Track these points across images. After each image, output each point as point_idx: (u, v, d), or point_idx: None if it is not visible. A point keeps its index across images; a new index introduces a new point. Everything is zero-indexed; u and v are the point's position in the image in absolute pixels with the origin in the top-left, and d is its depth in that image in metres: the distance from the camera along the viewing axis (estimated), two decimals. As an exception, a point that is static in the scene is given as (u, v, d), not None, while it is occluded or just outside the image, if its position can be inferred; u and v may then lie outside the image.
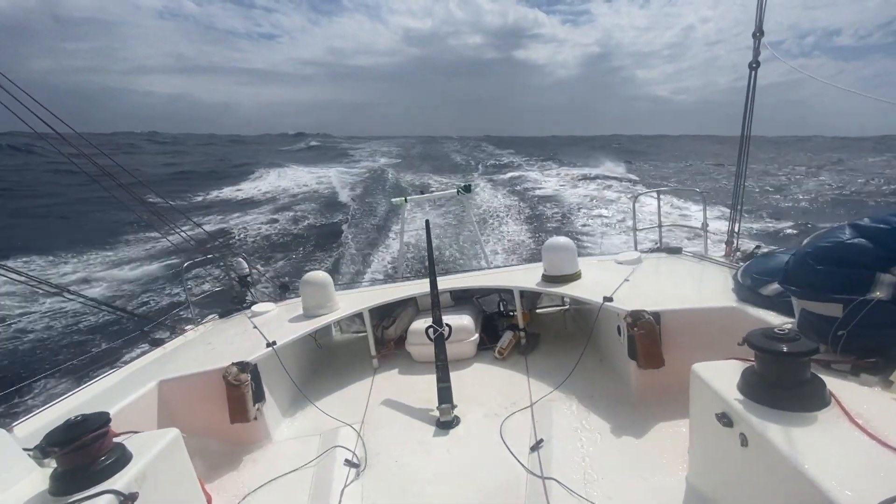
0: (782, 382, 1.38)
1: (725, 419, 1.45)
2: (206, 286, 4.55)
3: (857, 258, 1.61)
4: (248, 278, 4.33)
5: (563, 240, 3.58)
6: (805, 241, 1.88)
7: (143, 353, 3.16)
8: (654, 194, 4.68)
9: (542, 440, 2.26)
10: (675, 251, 4.01)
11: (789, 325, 1.89)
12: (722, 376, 1.57)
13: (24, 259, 13.43)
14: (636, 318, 2.43)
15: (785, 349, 1.36)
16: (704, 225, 4.08)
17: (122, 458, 1.54)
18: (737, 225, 3.66)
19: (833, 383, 1.44)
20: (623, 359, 2.65)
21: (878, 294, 1.54)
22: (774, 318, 2.18)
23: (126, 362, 3.00)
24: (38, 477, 1.55)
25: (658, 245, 4.27)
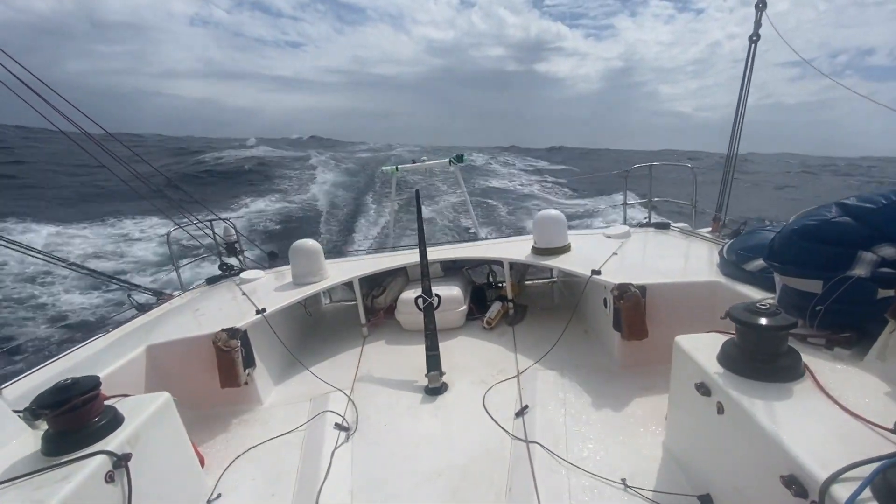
0: (760, 355, 1.43)
1: (704, 388, 1.51)
2: (193, 253, 4.51)
3: (841, 236, 1.64)
4: (236, 245, 4.29)
5: (553, 212, 3.58)
6: (791, 219, 1.91)
7: (130, 319, 3.14)
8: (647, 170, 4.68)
9: (526, 406, 2.33)
10: (663, 226, 4.06)
11: (770, 301, 1.95)
12: (703, 348, 1.63)
13: (2, 225, 13.14)
14: (623, 290, 2.48)
15: (764, 323, 1.40)
16: (694, 201, 4.11)
17: (113, 420, 1.56)
18: (725, 201, 3.69)
19: (808, 356, 1.50)
20: (608, 330, 2.72)
21: (858, 271, 1.58)
22: (756, 294, 2.23)
23: (113, 327, 2.98)
24: (30, 438, 1.56)
25: (647, 220, 4.31)
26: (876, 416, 1.18)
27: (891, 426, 1.11)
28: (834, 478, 1.00)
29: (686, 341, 1.71)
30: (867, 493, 0.96)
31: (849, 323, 1.63)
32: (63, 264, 3.37)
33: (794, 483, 1.08)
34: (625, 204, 4.71)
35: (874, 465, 0.99)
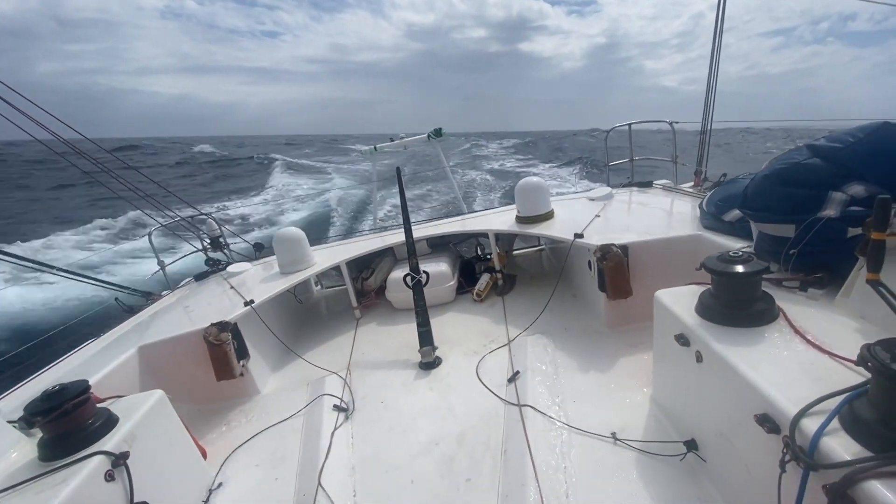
0: (734, 302, 1.47)
1: (683, 339, 1.55)
2: (178, 250, 4.46)
3: (811, 178, 1.65)
4: (220, 239, 4.24)
5: (535, 180, 3.57)
6: (764, 165, 1.92)
7: (120, 322, 3.12)
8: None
9: (518, 372, 2.38)
10: (645, 185, 4.07)
11: (749, 249, 1.98)
12: (681, 300, 1.66)
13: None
14: (605, 251, 2.50)
15: (735, 270, 1.43)
16: (674, 156, 4.11)
17: (108, 421, 1.57)
18: (705, 154, 3.71)
19: (782, 299, 1.53)
20: (594, 292, 2.76)
21: (829, 212, 1.61)
22: (736, 244, 2.26)
23: (103, 332, 2.97)
24: (27, 446, 1.58)
25: (630, 180, 4.31)
26: (845, 350, 1.22)
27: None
28: (803, 412, 1.04)
29: (666, 295, 1.74)
30: (835, 423, 1.00)
31: (822, 264, 1.66)
32: (51, 270, 3.32)
33: (767, 420, 1.12)
34: (607, 166, 4.69)
35: (841, 397, 1.03)
